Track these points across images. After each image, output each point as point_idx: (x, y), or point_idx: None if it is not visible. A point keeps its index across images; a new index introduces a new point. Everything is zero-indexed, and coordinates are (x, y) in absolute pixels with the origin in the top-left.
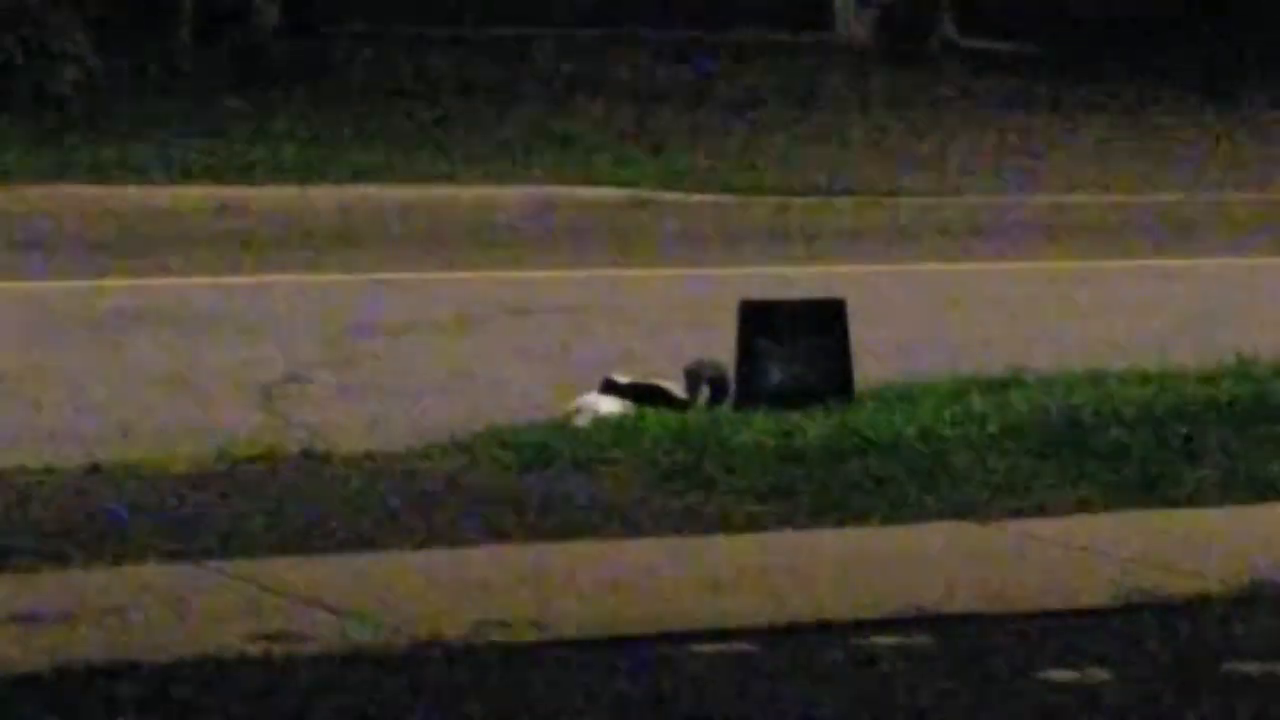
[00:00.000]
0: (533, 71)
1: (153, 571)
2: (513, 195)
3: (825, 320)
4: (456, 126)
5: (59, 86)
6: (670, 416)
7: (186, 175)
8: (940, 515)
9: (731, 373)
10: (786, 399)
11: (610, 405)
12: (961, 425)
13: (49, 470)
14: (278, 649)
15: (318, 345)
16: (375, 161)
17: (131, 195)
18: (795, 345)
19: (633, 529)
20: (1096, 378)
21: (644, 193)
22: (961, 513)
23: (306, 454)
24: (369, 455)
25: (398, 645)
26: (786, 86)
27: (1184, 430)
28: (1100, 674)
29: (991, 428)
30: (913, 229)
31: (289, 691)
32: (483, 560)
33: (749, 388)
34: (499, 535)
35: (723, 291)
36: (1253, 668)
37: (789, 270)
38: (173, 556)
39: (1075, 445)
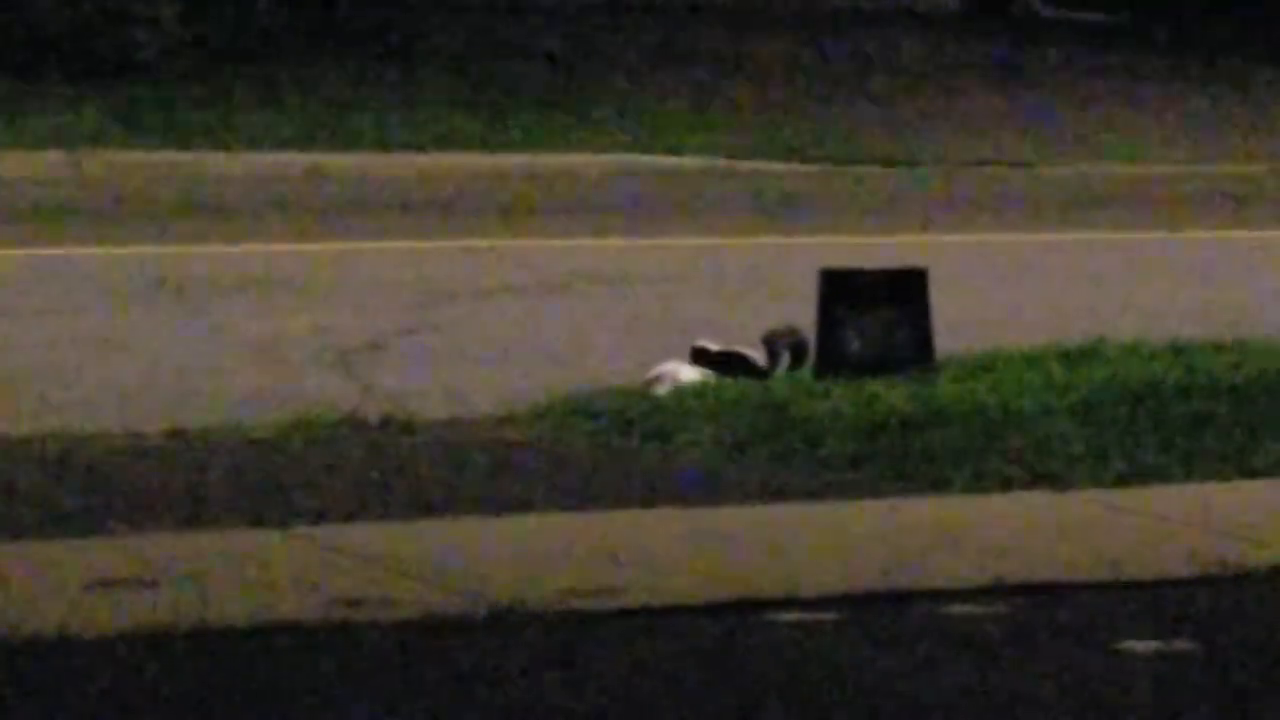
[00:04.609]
0: (614, 40)
1: (234, 537)
2: (595, 163)
3: (906, 289)
4: (538, 94)
5: (140, 53)
6: (749, 385)
7: (267, 142)
8: (1020, 485)
9: (812, 341)
10: (866, 368)
11: (690, 373)
12: (1042, 395)
13: (131, 435)
14: (358, 615)
15: (399, 311)
16: (456, 129)
17: (212, 162)
18: (876, 314)
19: (712, 497)
20: (1177, 348)
21: (726, 162)
22: (1041, 482)
23: (387, 420)
24: (450, 422)
25: (478, 612)
26: (869, 55)
27: (1263, 400)
28: (1181, 644)
29: (1072, 397)
30: (994, 199)
31: (369, 658)
32: (564, 527)
33: (829, 356)
34: (579, 502)
35: (804, 260)
36: None
37: (870, 239)
38: (254, 522)
39: (1155, 415)
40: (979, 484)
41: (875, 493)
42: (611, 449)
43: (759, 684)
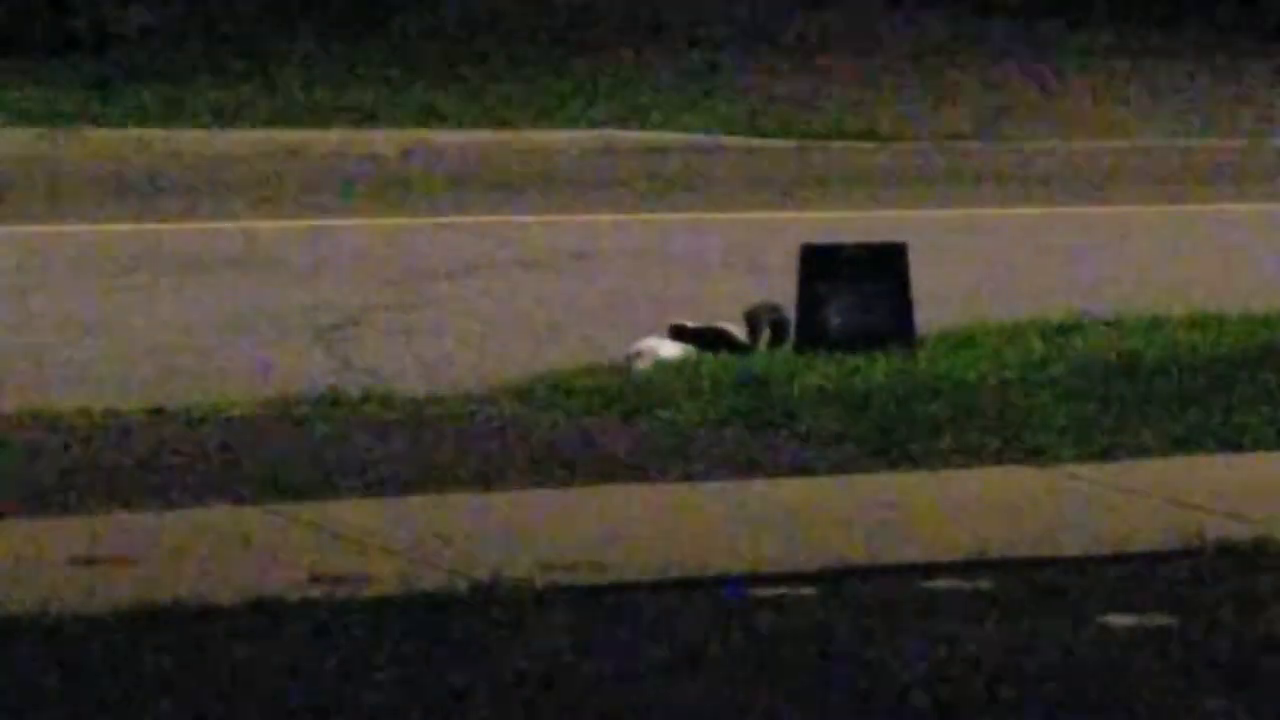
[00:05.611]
0: (594, 15)
1: (213, 514)
2: (574, 139)
3: (886, 264)
4: (518, 71)
5: (123, 29)
6: (730, 361)
7: (249, 119)
8: (1001, 459)
9: (792, 316)
10: (847, 343)
11: (671, 349)
12: (1022, 370)
13: (111, 413)
14: (338, 591)
15: (379, 289)
16: (437, 105)
17: (195, 139)
18: (856, 289)
19: (693, 473)
20: (1156, 323)
21: (706, 137)
22: (1022, 457)
23: (367, 397)
24: (429, 398)
25: (458, 588)
26: (849, 31)
27: (1243, 375)
28: (1161, 619)
29: (1052, 372)
30: (973, 174)
31: (348, 634)
32: (543, 503)
33: (810, 332)
34: (559, 478)
35: (784, 236)
36: None
37: (850, 214)
38: (233, 499)
39: (1136, 390)
40: (959, 458)
41: (856, 468)
42: (591, 425)
43: (740, 659)
